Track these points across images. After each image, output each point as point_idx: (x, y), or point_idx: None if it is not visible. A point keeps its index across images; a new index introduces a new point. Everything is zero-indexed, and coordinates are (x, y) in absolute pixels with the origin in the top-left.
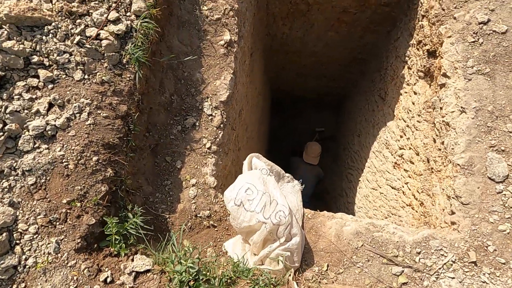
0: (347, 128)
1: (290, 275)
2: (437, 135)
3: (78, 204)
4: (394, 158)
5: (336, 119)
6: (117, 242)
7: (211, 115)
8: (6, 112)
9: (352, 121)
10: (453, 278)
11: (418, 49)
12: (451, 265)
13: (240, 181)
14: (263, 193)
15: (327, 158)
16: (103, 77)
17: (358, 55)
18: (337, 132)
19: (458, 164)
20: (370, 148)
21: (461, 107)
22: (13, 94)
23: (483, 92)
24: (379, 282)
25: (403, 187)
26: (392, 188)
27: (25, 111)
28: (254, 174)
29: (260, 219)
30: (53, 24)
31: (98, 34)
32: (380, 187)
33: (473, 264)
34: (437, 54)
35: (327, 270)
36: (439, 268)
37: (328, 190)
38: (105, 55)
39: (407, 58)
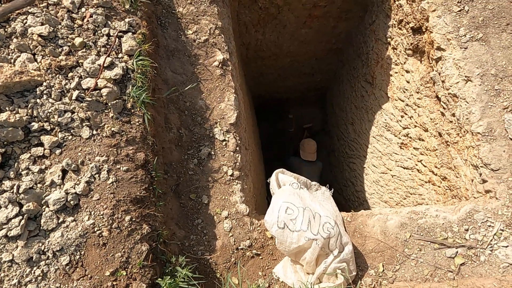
0: (337, 119)
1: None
2: (444, 108)
3: (124, 273)
4: (399, 138)
5: (322, 113)
6: None
7: (224, 140)
8: (20, 192)
9: (341, 110)
10: (507, 246)
11: (400, 29)
12: (501, 233)
13: (276, 202)
14: (304, 209)
15: (322, 152)
16: (113, 128)
17: (333, 45)
18: (326, 125)
19: (478, 133)
20: (368, 133)
21: (465, 76)
22: (20, 170)
23: (482, 57)
24: (437, 269)
25: (416, 165)
26: (404, 168)
27: (39, 185)
28: (287, 191)
29: (309, 237)
30: (44, 84)
31: (96, 84)
32: (391, 170)
33: None
34: (424, 30)
35: (383, 270)
36: (491, 240)
37: (331, 185)
38: (108, 104)
39: (389, 39)
